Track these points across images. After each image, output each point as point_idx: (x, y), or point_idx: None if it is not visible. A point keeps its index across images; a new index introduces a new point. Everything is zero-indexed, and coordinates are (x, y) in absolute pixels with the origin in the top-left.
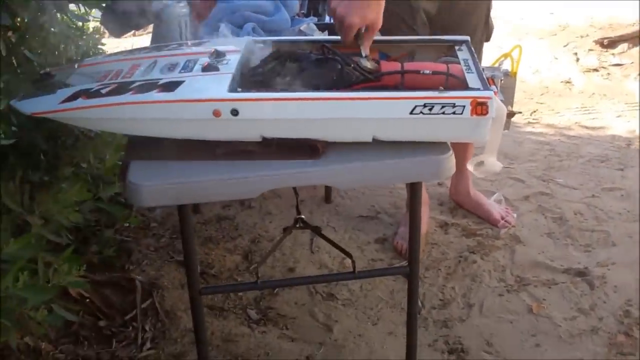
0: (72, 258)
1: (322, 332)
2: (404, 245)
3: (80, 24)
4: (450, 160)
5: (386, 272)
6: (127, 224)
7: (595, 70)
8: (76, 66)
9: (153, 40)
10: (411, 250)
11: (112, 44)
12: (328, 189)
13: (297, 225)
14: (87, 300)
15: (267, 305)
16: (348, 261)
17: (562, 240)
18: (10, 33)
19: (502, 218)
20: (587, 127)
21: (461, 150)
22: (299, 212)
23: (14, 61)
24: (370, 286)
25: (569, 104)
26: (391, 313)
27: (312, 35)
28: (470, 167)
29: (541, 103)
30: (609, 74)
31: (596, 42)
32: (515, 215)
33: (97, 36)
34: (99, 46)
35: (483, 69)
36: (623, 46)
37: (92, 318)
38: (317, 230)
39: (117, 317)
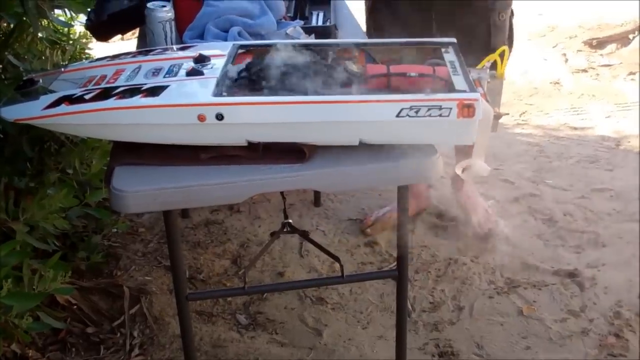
0: (59, 265)
1: (312, 337)
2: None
3: (65, 29)
4: (437, 163)
5: (375, 276)
6: (115, 230)
7: (584, 71)
8: (60, 71)
9: (139, 45)
10: (400, 254)
11: (99, 49)
12: (317, 193)
13: (285, 230)
14: (75, 307)
15: (257, 310)
16: (338, 265)
17: (552, 242)
18: None
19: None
20: (576, 128)
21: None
22: (286, 217)
23: None
24: (360, 290)
25: (558, 105)
26: (381, 317)
27: (299, 39)
28: (458, 170)
29: (530, 104)
30: (597, 74)
31: (585, 42)
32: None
33: (84, 41)
34: (87, 51)
35: (469, 71)
36: (612, 47)
37: (80, 325)
38: (304, 235)
39: (105, 323)
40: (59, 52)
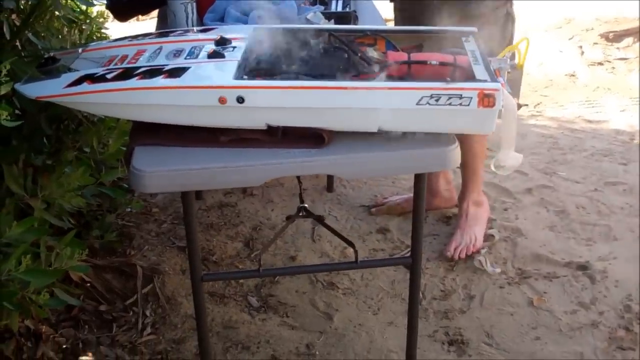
0: (74, 242)
1: (323, 321)
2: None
3: (84, 7)
4: (455, 151)
5: (388, 263)
6: (129, 209)
7: (600, 64)
8: (80, 50)
9: (158, 26)
10: (414, 242)
11: (115, 29)
12: (330, 178)
13: (300, 214)
14: (88, 284)
15: (268, 292)
16: (349, 250)
17: (563, 234)
18: (14, 16)
19: (455, 250)
20: (590, 121)
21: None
22: (302, 201)
23: (18, 44)
24: (371, 276)
25: (573, 98)
26: (392, 303)
27: (319, 24)
28: (493, 168)
29: (545, 96)
30: (613, 67)
31: (601, 35)
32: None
33: (100, 20)
34: (103, 30)
35: (490, 61)
36: (628, 40)
37: (93, 302)
38: (320, 220)
39: (118, 302)
40: (77, 31)
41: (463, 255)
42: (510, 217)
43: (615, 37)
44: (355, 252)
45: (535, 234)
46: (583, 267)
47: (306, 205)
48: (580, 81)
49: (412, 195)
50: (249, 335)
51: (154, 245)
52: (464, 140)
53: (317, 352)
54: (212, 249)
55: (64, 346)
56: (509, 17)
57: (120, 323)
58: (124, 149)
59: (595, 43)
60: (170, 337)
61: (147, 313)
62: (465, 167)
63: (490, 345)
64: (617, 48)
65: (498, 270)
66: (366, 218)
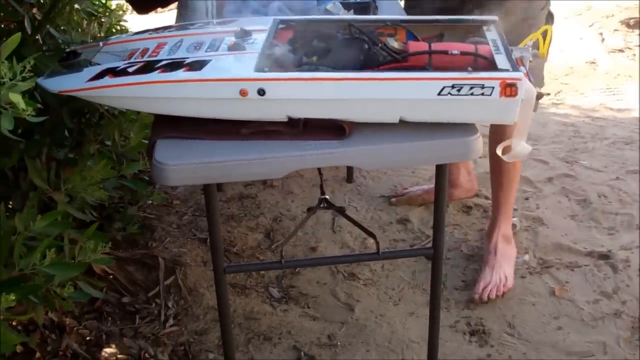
0: (97, 235)
1: (344, 312)
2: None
3: (104, 0)
4: (477, 141)
5: (410, 254)
6: (150, 202)
7: (621, 50)
8: (102, 44)
9: (178, 19)
10: (436, 232)
11: (134, 21)
12: (350, 169)
13: (321, 206)
14: (111, 276)
15: (289, 283)
16: (370, 241)
17: (585, 223)
18: (35, 10)
19: (483, 290)
20: (611, 109)
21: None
22: (323, 193)
23: (39, 38)
24: (392, 266)
25: (593, 85)
26: (413, 294)
27: (338, 14)
28: (498, 151)
29: (566, 84)
30: (634, 54)
31: (622, 22)
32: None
33: (120, 13)
34: (122, 23)
35: (512, 50)
36: None
37: (115, 294)
38: (341, 211)
39: (141, 293)
40: (96, 24)
41: (493, 296)
42: (531, 207)
43: (635, 24)
44: (377, 243)
45: (557, 223)
46: (605, 257)
47: (327, 197)
48: (601, 68)
49: (432, 186)
50: (270, 326)
51: (175, 237)
52: (500, 164)
53: (338, 343)
54: (233, 240)
55: (88, 338)
56: (550, 17)
57: (143, 315)
58: (146, 142)
59: (616, 30)
60: (193, 328)
61: (170, 305)
62: (499, 193)
63: (512, 336)
64: (638, 35)
65: (526, 257)
66: (386, 208)
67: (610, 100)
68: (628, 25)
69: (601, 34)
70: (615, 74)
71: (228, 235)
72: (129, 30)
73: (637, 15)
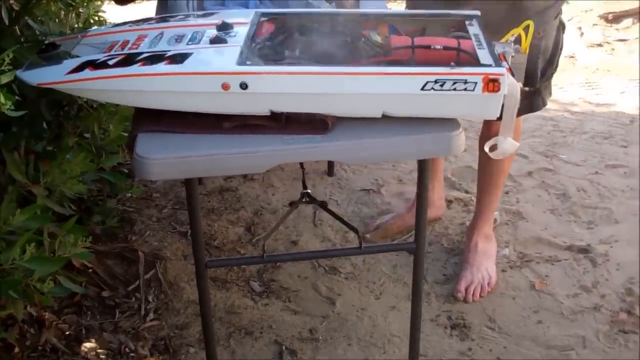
0: (76, 228)
1: (325, 306)
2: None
3: None
4: (460, 137)
5: (392, 248)
6: (130, 195)
7: (600, 45)
8: (80, 36)
9: (158, 11)
10: (418, 227)
11: (112, 11)
12: (331, 162)
13: (304, 200)
14: (90, 270)
15: (270, 277)
16: (351, 234)
17: (565, 217)
18: (12, 0)
19: (467, 290)
20: (591, 103)
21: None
22: (305, 187)
23: (16, 30)
24: (373, 260)
25: (573, 79)
26: (394, 287)
27: (320, 7)
28: (486, 148)
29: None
30: (613, 49)
31: (601, 16)
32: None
33: (98, 3)
34: (100, 13)
35: (494, 45)
36: (628, 21)
37: (95, 289)
38: (323, 205)
39: (120, 287)
40: (74, 15)
41: (477, 297)
42: (511, 200)
43: (614, 18)
44: (359, 237)
45: (537, 217)
46: (584, 251)
47: (309, 191)
48: (580, 63)
49: (401, 211)
50: (251, 321)
51: (155, 230)
52: (487, 165)
53: (319, 337)
54: (213, 234)
55: (67, 333)
56: (561, 26)
57: (123, 309)
58: (125, 134)
59: (595, 24)
60: (173, 322)
61: (150, 299)
62: (484, 193)
63: (493, 329)
64: (617, 29)
65: (506, 251)
66: (367, 202)
67: (589, 95)
68: (607, 20)
69: (580, 28)
70: (594, 69)
71: (208, 229)
72: (107, 20)
73: (616, 10)
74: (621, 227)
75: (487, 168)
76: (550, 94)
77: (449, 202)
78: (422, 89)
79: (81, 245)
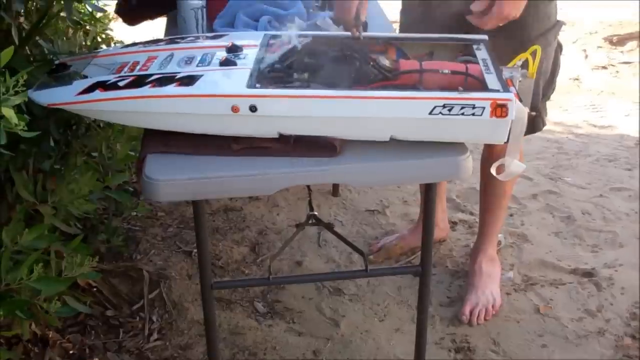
0: (81, 247)
1: (329, 327)
2: (377, 244)
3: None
4: (467, 161)
5: (398, 271)
6: (135, 213)
7: (604, 67)
8: (92, 56)
9: (167, 30)
10: (424, 251)
11: (119, 30)
12: (336, 183)
13: (310, 222)
14: (95, 289)
15: (274, 298)
16: (355, 255)
17: (569, 240)
18: (22, 19)
19: (472, 312)
20: (595, 126)
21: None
22: (311, 209)
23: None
24: (378, 282)
25: (577, 102)
26: (398, 310)
27: (328, 30)
28: (492, 170)
29: (550, 100)
30: (617, 71)
31: (605, 39)
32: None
33: (106, 21)
34: (108, 31)
35: (501, 70)
36: (632, 44)
37: (99, 308)
38: (330, 228)
39: (125, 307)
40: (82, 33)
41: (482, 320)
42: (516, 223)
43: (619, 41)
44: (365, 260)
45: (541, 239)
46: (589, 274)
47: (316, 213)
48: (585, 85)
49: (404, 232)
50: (255, 342)
51: (160, 249)
52: (491, 187)
53: (323, 359)
54: (218, 254)
55: (71, 352)
56: (559, 47)
57: (127, 328)
58: (132, 153)
59: (599, 46)
60: (177, 342)
61: (154, 318)
62: (487, 216)
63: (497, 353)
64: (621, 52)
65: (511, 274)
66: (372, 223)
67: (594, 117)
68: (611, 42)
69: (585, 50)
70: (599, 91)
71: (213, 249)
72: (114, 38)
73: (620, 32)
74: (626, 251)
75: (489, 190)
76: (547, 113)
77: (453, 223)
78: (430, 113)
79: (88, 265)
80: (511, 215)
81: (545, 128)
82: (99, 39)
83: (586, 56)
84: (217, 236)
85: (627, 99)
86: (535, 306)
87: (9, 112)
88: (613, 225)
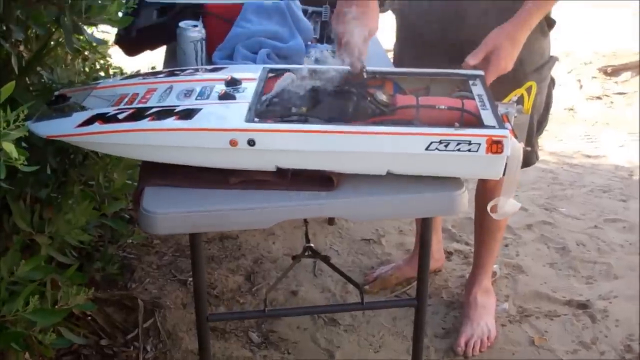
0: (76, 276)
1: (324, 358)
2: (373, 274)
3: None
4: (463, 196)
5: (394, 304)
6: (130, 241)
7: (599, 98)
8: (92, 87)
9: (166, 62)
10: (420, 284)
11: (117, 57)
12: None
13: (306, 254)
14: (89, 318)
15: (269, 328)
16: (351, 285)
17: (564, 271)
18: (21, 47)
19: (467, 344)
20: (589, 156)
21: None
22: (308, 240)
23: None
24: (373, 312)
25: (572, 132)
26: (393, 341)
27: (326, 63)
28: (488, 209)
29: (545, 130)
30: (612, 102)
31: (600, 69)
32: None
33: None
34: (106, 58)
35: (497, 105)
36: (626, 74)
37: (94, 337)
38: (326, 260)
39: (119, 336)
40: (80, 60)
41: (477, 352)
42: (510, 254)
43: (613, 71)
44: (361, 293)
45: (536, 271)
46: (584, 306)
47: (312, 245)
48: (579, 115)
49: (400, 262)
50: None
51: (155, 278)
52: (484, 221)
53: None
54: (213, 283)
55: None
56: (552, 82)
57: (121, 358)
58: (130, 182)
59: (594, 77)
60: None
61: (148, 348)
62: (481, 248)
63: None
64: (616, 82)
65: (506, 306)
66: (368, 252)
67: (589, 148)
68: (605, 73)
69: (579, 80)
70: (593, 121)
71: (208, 277)
72: (113, 65)
73: (615, 63)
74: (620, 282)
75: (484, 224)
76: (539, 147)
77: (448, 253)
78: (427, 149)
79: (84, 296)
80: (506, 245)
81: (540, 158)
82: (98, 66)
83: (581, 86)
84: (213, 264)
85: (622, 129)
86: (530, 338)
87: (9, 147)
88: (607, 257)
